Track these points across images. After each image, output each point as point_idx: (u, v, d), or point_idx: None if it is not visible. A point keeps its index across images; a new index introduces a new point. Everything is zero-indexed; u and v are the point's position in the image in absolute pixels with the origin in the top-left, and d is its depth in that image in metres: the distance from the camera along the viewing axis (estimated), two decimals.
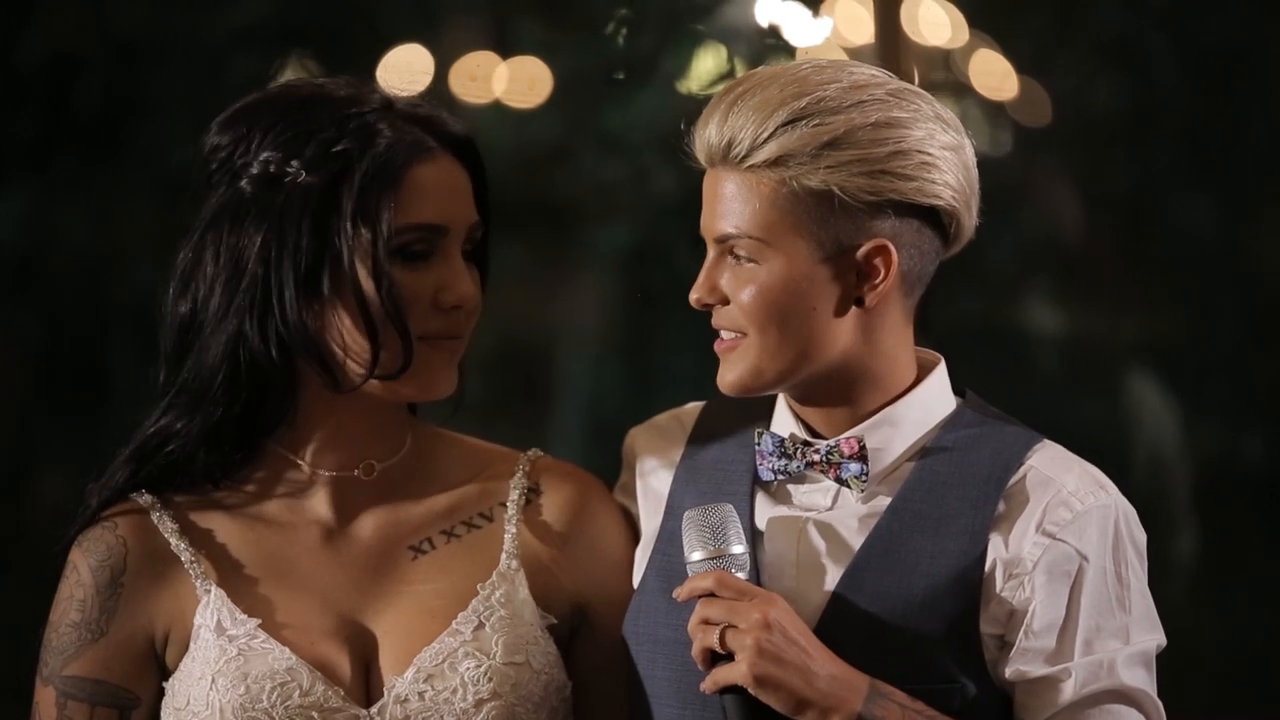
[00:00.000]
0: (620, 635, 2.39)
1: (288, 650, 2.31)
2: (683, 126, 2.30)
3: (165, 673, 2.36)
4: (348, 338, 2.33)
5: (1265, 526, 4.24)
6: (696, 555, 2.24)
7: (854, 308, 2.26)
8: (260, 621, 2.32)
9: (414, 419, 2.45)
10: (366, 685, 2.34)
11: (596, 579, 2.43)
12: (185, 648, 2.33)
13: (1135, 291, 4.32)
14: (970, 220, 2.30)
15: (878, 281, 2.25)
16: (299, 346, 2.32)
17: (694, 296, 2.29)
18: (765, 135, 2.22)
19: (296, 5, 4.27)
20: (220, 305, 2.33)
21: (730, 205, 2.25)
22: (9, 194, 4.17)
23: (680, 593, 2.23)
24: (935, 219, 2.26)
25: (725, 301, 2.28)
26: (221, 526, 2.38)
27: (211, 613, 2.32)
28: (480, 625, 2.34)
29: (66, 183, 4.14)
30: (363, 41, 4.25)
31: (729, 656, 2.19)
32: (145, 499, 2.39)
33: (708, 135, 2.26)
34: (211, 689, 2.29)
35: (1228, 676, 4.19)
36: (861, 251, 2.24)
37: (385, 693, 2.32)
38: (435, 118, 2.37)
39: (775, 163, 2.22)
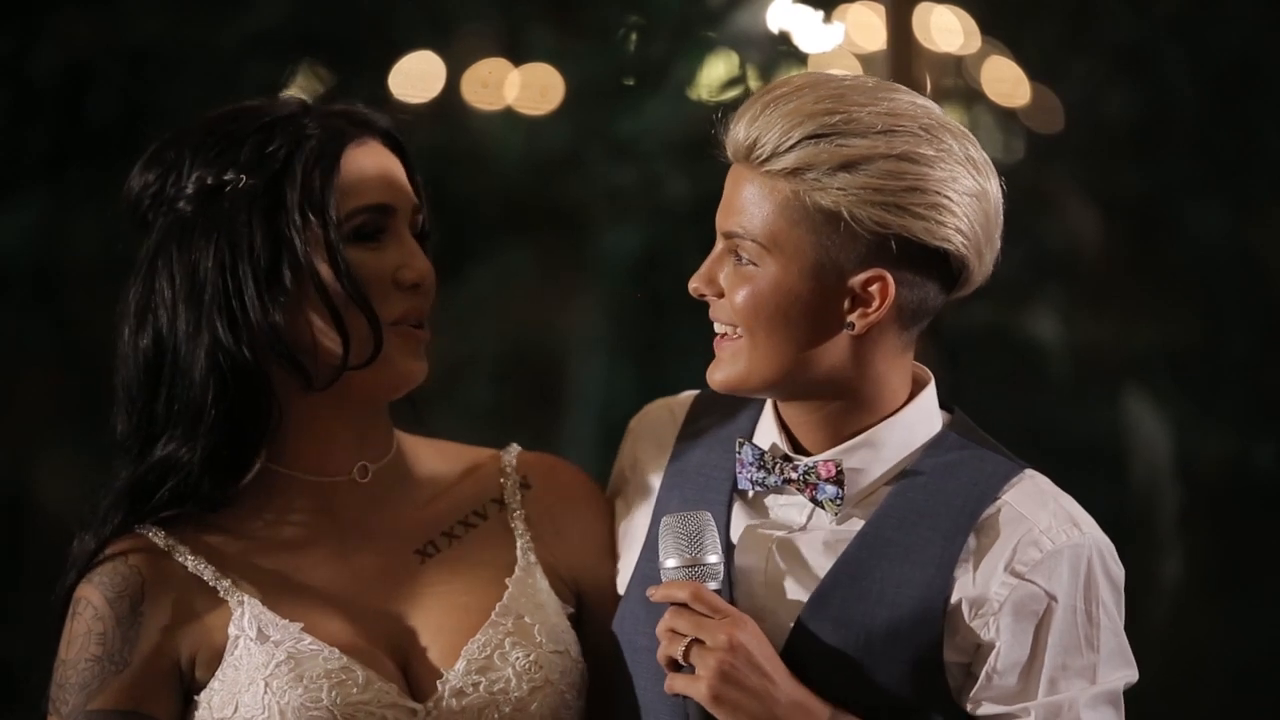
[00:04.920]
0: (609, 626, 2.41)
1: (336, 650, 2.32)
2: (717, 117, 2.30)
3: (192, 689, 2.35)
4: (317, 331, 2.34)
5: (1277, 534, 4.24)
6: (671, 562, 2.25)
7: (844, 331, 2.25)
8: (303, 625, 2.32)
9: (393, 425, 2.46)
10: (408, 685, 2.34)
11: (589, 567, 2.46)
12: (216, 663, 2.33)
13: (1147, 299, 4.31)
14: (981, 268, 2.28)
15: (870, 311, 2.24)
16: (270, 348, 2.32)
17: (692, 284, 2.31)
18: (789, 144, 2.22)
19: (309, 14, 4.27)
20: (189, 323, 2.34)
21: (743, 205, 2.26)
22: (23, 203, 4.18)
23: (654, 594, 2.24)
24: (943, 261, 2.25)
25: (720, 295, 2.29)
26: (232, 546, 2.39)
27: (249, 621, 2.32)
28: (520, 617, 2.36)
29: (80, 192, 4.14)
30: (375, 49, 4.26)
31: (691, 667, 2.20)
32: (148, 529, 2.39)
33: (736, 132, 2.27)
34: (266, 692, 2.29)
35: (1239, 685, 4.18)
36: (858, 279, 2.23)
37: (439, 686, 2.33)
38: (354, 110, 2.41)
39: (792, 173, 2.22)
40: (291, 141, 2.34)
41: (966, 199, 2.23)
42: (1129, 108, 4.27)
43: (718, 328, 2.31)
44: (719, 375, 2.29)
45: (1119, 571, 2.28)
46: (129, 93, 4.15)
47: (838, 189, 2.21)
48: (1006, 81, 4.33)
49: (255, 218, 2.33)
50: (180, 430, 2.35)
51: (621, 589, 2.43)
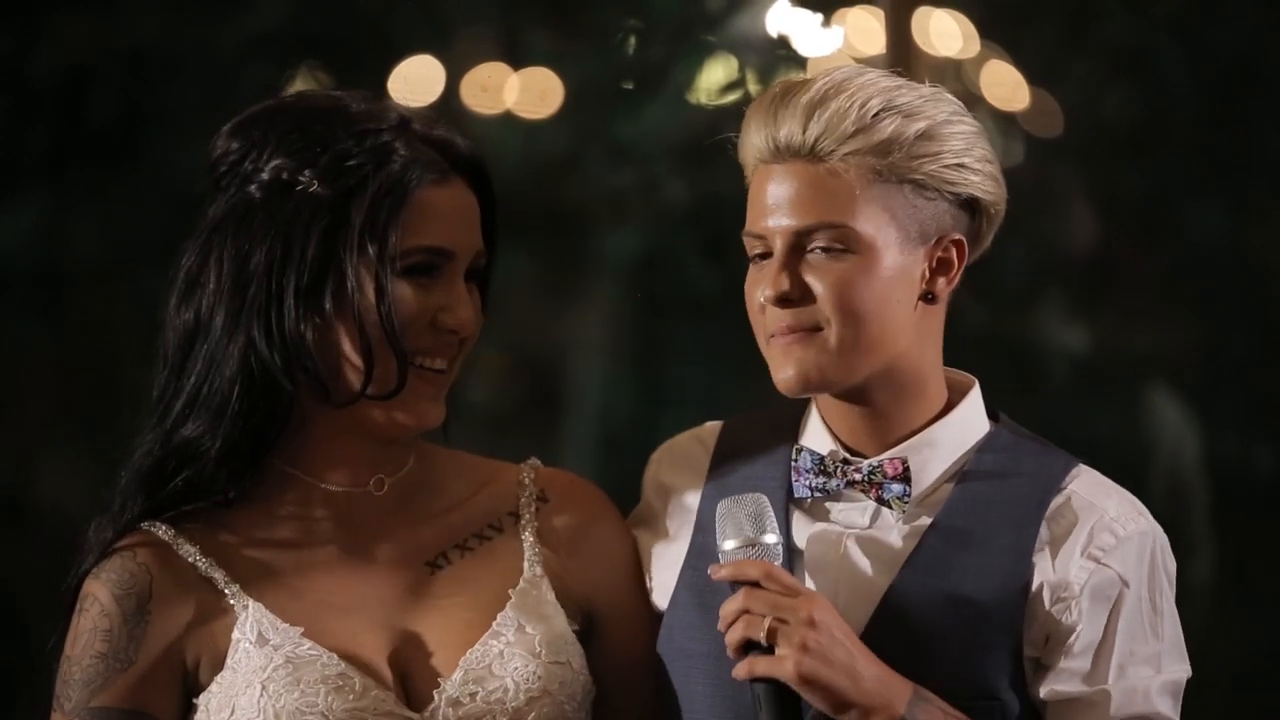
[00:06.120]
0: (622, 647, 2.40)
1: (335, 656, 2.30)
2: (734, 139, 2.30)
3: (194, 691, 2.34)
4: (345, 353, 2.32)
5: (1277, 537, 4.24)
6: (730, 544, 2.23)
7: (921, 303, 2.27)
8: (304, 630, 2.32)
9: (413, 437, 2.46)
10: (406, 695, 2.33)
11: (603, 585, 2.43)
12: (219, 666, 2.32)
13: (1147, 302, 4.32)
14: (991, 227, 2.33)
15: (952, 275, 2.28)
16: (295, 358, 2.31)
17: (774, 292, 2.26)
18: (864, 125, 2.23)
19: (309, 16, 4.27)
20: (229, 315, 2.32)
21: (813, 198, 2.25)
22: (23, 204, 4.18)
23: (721, 573, 2.22)
24: (975, 218, 2.30)
25: (805, 295, 2.27)
26: (242, 548, 2.37)
27: (251, 626, 2.31)
28: (521, 627, 2.34)
29: (80, 193, 4.14)
30: (374, 52, 4.26)
31: (767, 648, 2.18)
32: (159, 527, 2.37)
33: (787, 131, 2.25)
34: (263, 695, 2.28)
35: (1239, 685, 4.18)
36: (942, 243, 2.26)
37: (435, 696, 2.31)
38: (451, 141, 2.36)
39: (873, 151, 2.23)
40: (373, 161, 2.31)
41: (990, 149, 2.30)
42: (1129, 109, 4.28)
43: (783, 332, 2.28)
44: (795, 373, 2.26)
45: (1174, 564, 2.29)
46: (129, 93, 4.15)
47: (918, 158, 2.24)
48: (1006, 85, 4.33)
49: (315, 228, 2.30)
50: (205, 417, 2.34)
51: (661, 605, 2.40)
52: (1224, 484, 4.24)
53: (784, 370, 2.26)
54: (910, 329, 2.27)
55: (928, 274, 2.26)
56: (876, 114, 2.23)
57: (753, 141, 2.28)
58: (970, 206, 2.28)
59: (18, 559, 3.98)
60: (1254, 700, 4.22)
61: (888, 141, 2.23)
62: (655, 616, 2.41)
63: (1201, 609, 4.15)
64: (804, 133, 2.24)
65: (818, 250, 2.25)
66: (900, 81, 2.28)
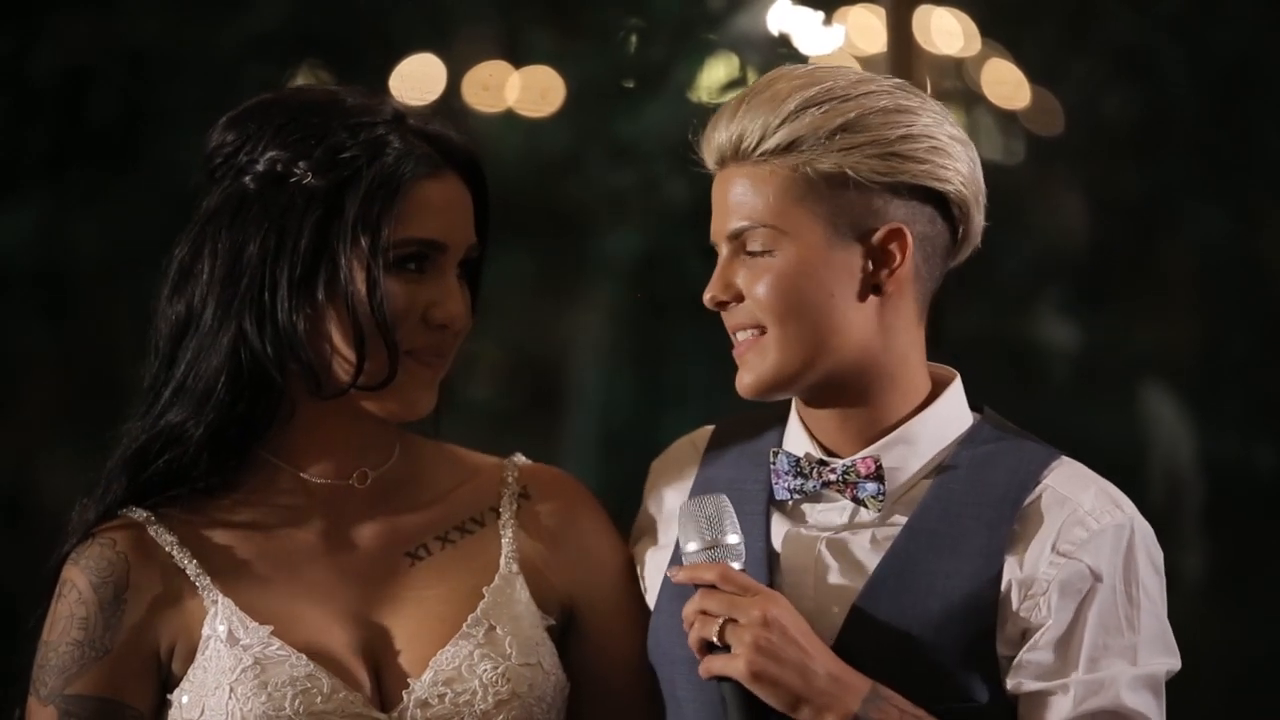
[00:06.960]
0: (603, 643, 2.42)
1: (304, 657, 2.31)
2: (690, 137, 2.31)
3: (169, 684, 2.36)
4: (336, 344, 2.33)
5: (1277, 537, 4.24)
6: (692, 546, 2.25)
7: (871, 296, 2.26)
8: (273, 629, 2.32)
9: (400, 429, 2.46)
10: (378, 691, 2.34)
11: (585, 582, 2.44)
12: (190, 658, 2.33)
13: (1147, 302, 4.32)
14: (979, 218, 2.31)
15: (895, 266, 2.25)
16: (287, 348, 2.33)
17: (708, 295, 2.30)
18: (777, 123, 2.23)
19: (309, 15, 4.28)
20: (220, 305, 2.34)
21: (742, 199, 2.26)
22: (23, 205, 4.18)
23: (679, 577, 2.24)
24: (945, 209, 2.27)
25: (740, 299, 2.28)
26: (220, 538, 2.38)
27: (221, 622, 2.32)
28: (491, 628, 2.35)
29: (80, 193, 4.15)
30: (375, 51, 4.26)
31: (726, 647, 2.20)
32: (140, 514, 2.38)
33: (717, 136, 2.27)
34: (230, 698, 2.29)
35: (1239, 685, 4.18)
36: (877, 235, 2.25)
37: (405, 696, 2.32)
38: (445, 136, 2.38)
39: (788, 149, 2.23)
40: (367, 154, 2.32)
41: (956, 144, 2.27)
42: (1129, 108, 4.28)
43: (740, 335, 2.30)
44: (750, 378, 2.28)
45: (1159, 555, 2.27)
46: (129, 93, 4.16)
47: (837, 151, 2.23)
48: (1007, 84, 4.33)
49: (309, 219, 2.32)
50: (190, 403, 2.35)
51: (651, 604, 2.42)
52: (1224, 484, 4.24)
53: (740, 377, 2.29)
54: (863, 323, 2.27)
55: (870, 267, 2.26)
56: (794, 110, 2.23)
57: (704, 147, 2.30)
58: (926, 195, 2.26)
59: (18, 559, 3.98)
60: (1252, 700, 4.22)
61: (803, 137, 2.23)
62: (643, 616, 2.42)
63: (1200, 609, 4.15)
64: (728, 136, 2.26)
65: (751, 252, 2.27)
66: (845, 75, 2.27)
